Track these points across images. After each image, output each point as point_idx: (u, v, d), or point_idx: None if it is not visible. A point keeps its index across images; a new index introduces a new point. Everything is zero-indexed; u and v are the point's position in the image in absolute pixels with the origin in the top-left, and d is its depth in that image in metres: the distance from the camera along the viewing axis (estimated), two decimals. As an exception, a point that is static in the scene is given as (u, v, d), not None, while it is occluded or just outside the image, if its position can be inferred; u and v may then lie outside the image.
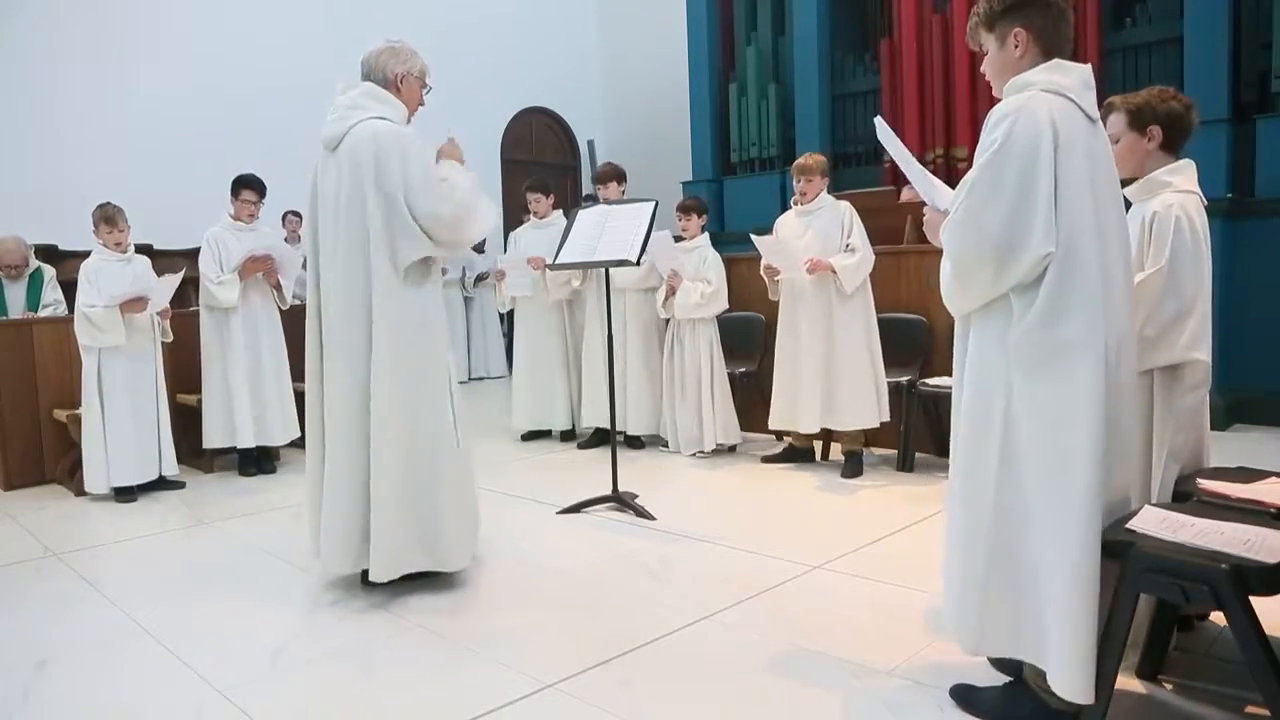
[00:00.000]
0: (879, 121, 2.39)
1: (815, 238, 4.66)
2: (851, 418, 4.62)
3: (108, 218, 4.82)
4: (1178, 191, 2.41)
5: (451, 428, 3.17)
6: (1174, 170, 2.46)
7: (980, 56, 2.20)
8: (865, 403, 4.58)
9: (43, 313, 5.44)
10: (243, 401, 5.07)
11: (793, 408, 4.74)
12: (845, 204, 4.72)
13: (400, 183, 2.97)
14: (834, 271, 4.53)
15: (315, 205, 3.16)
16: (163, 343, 5.00)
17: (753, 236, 4.71)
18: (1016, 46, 2.05)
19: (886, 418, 4.66)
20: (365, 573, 3.17)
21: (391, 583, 3.13)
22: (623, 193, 5.53)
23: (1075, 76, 2.01)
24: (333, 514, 3.08)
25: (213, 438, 5.15)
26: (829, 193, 4.84)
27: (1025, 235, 1.91)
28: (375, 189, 2.98)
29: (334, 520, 3.08)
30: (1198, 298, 2.35)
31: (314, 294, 3.17)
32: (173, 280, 4.87)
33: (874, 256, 4.65)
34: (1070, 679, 1.90)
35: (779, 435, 5.43)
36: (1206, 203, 2.51)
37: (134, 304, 4.69)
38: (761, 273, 4.79)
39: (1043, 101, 1.94)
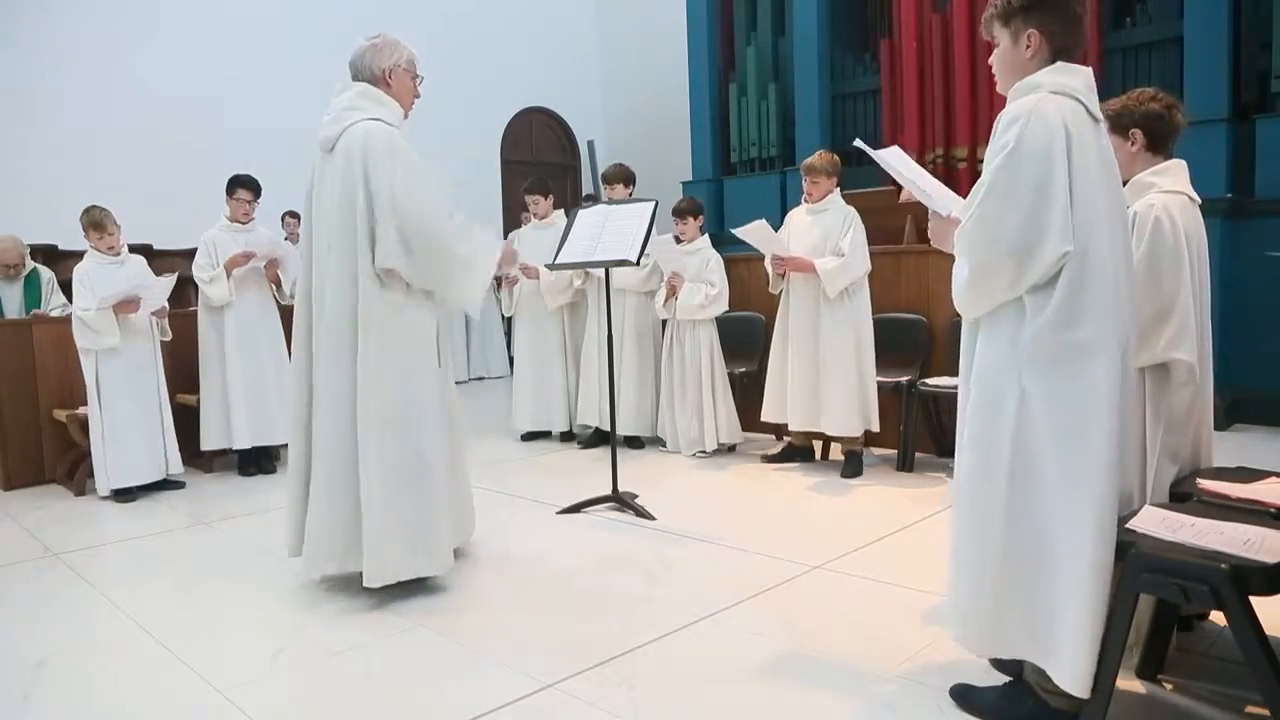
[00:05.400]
0: (860, 143, 2.39)
1: (820, 237, 4.66)
2: (832, 424, 4.62)
3: (95, 223, 4.76)
4: (1163, 192, 2.41)
5: (441, 431, 3.15)
6: (1159, 171, 2.46)
7: (983, 55, 2.21)
8: (847, 411, 4.56)
9: (51, 314, 5.42)
10: (238, 402, 5.07)
11: (781, 405, 4.78)
12: (851, 209, 4.69)
13: (387, 185, 2.97)
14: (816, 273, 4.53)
15: (310, 207, 3.17)
16: (162, 342, 5.00)
17: (735, 231, 4.70)
18: (1028, 47, 2.04)
19: (875, 427, 4.64)
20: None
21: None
22: (629, 195, 5.51)
23: (1081, 79, 2.01)
24: (318, 514, 3.08)
25: (210, 439, 5.15)
26: (841, 194, 4.81)
27: (1042, 235, 1.91)
28: (364, 190, 2.99)
29: (319, 521, 3.08)
30: (1177, 297, 2.34)
31: (305, 296, 3.17)
32: (168, 281, 4.87)
33: (868, 265, 4.61)
34: (1078, 673, 1.91)
35: (779, 435, 5.44)
36: (1199, 201, 2.51)
37: (126, 305, 4.66)
38: (766, 264, 4.79)
39: (1052, 102, 1.94)
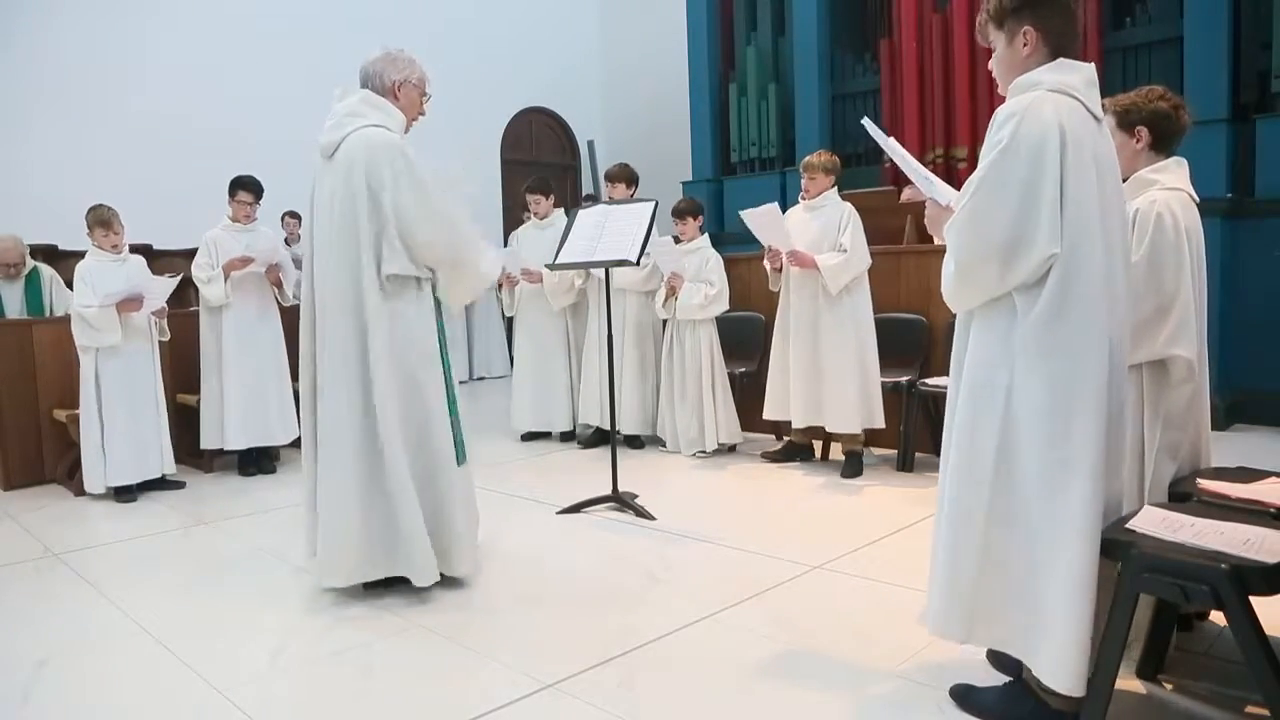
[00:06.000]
0: (867, 122, 2.39)
1: (818, 235, 4.67)
2: (835, 421, 4.63)
3: (103, 221, 4.79)
4: (1163, 189, 2.42)
5: (449, 438, 3.14)
6: (1160, 169, 2.47)
7: (982, 55, 2.21)
8: (849, 408, 4.56)
9: (60, 314, 5.41)
10: (234, 402, 5.08)
11: (783, 402, 4.79)
12: (848, 205, 4.71)
13: (390, 192, 2.97)
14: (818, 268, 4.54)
15: (313, 212, 3.16)
16: (161, 342, 5.00)
17: (741, 213, 4.68)
18: (1025, 45, 2.04)
19: (879, 424, 4.64)
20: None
21: (390, 584, 3.14)
22: (631, 195, 5.52)
23: (1080, 76, 2.01)
24: (329, 526, 3.05)
25: (208, 439, 5.17)
26: (839, 194, 4.82)
27: (1030, 235, 1.91)
28: (368, 197, 2.97)
29: (330, 532, 3.05)
30: (1178, 293, 2.34)
31: (309, 300, 3.15)
32: (170, 281, 4.87)
33: (868, 260, 4.62)
34: (1063, 671, 1.91)
35: (779, 434, 5.44)
36: (1198, 200, 2.51)
37: (129, 304, 4.67)
38: (765, 261, 4.79)
39: (1050, 101, 1.94)
